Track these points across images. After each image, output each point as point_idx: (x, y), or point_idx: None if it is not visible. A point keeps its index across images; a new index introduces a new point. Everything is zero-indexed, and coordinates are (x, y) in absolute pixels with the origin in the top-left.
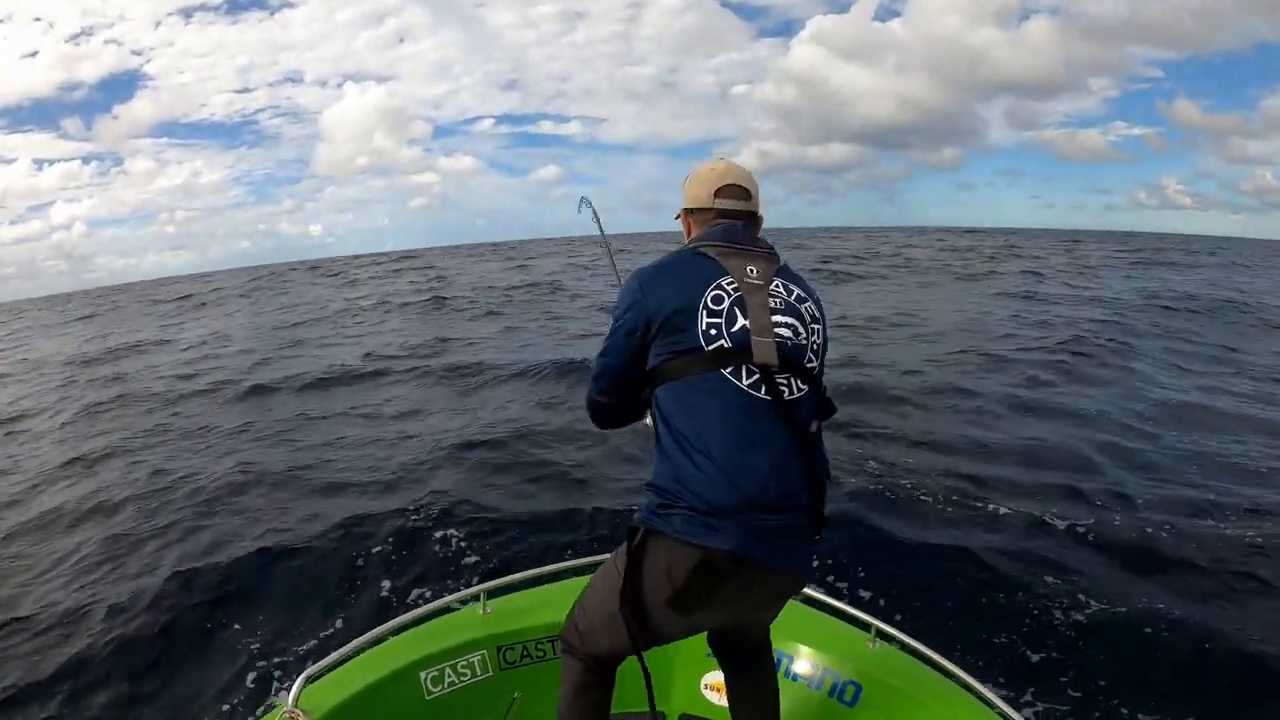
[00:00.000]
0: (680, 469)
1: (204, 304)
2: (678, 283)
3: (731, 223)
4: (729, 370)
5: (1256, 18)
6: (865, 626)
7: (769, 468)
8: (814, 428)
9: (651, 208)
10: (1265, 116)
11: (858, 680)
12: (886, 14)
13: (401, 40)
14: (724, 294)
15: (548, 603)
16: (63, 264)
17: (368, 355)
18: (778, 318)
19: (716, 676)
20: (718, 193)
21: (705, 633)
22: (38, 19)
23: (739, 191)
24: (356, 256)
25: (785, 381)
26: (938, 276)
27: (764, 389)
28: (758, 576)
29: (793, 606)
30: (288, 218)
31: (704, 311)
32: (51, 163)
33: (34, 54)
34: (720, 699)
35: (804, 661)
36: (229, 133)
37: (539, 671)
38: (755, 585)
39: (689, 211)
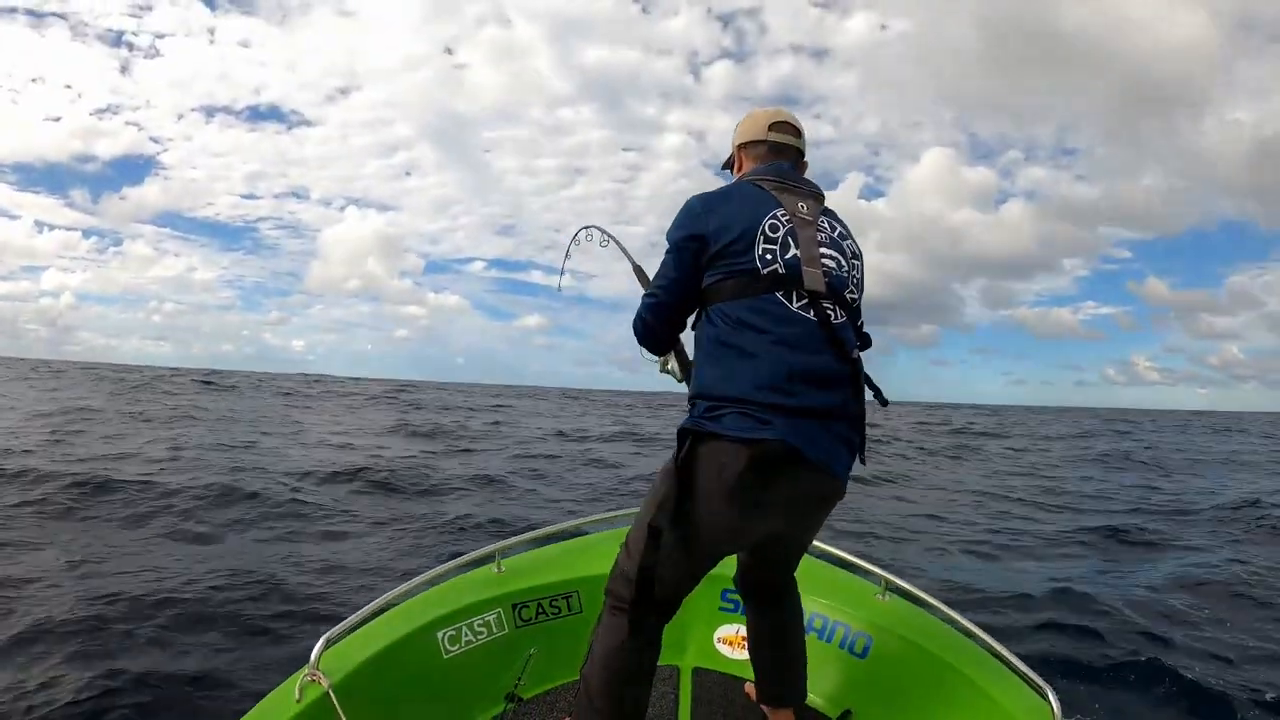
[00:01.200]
0: (730, 373)
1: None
2: (737, 209)
3: (781, 161)
4: (781, 293)
5: (1222, 199)
6: (875, 579)
7: (816, 375)
8: (855, 354)
9: (630, 364)
10: (1231, 292)
11: (868, 632)
12: (872, 193)
13: (408, 173)
14: (779, 224)
15: (560, 560)
16: (43, 330)
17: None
18: (824, 249)
19: (729, 630)
20: (771, 127)
21: (734, 579)
22: (68, 86)
23: (790, 129)
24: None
25: (830, 307)
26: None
27: (811, 312)
28: (806, 476)
29: (803, 559)
30: (272, 329)
31: (761, 237)
32: (53, 228)
33: (57, 119)
34: (733, 652)
35: (815, 614)
36: (229, 235)
37: (554, 628)
38: (801, 484)
39: (742, 147)
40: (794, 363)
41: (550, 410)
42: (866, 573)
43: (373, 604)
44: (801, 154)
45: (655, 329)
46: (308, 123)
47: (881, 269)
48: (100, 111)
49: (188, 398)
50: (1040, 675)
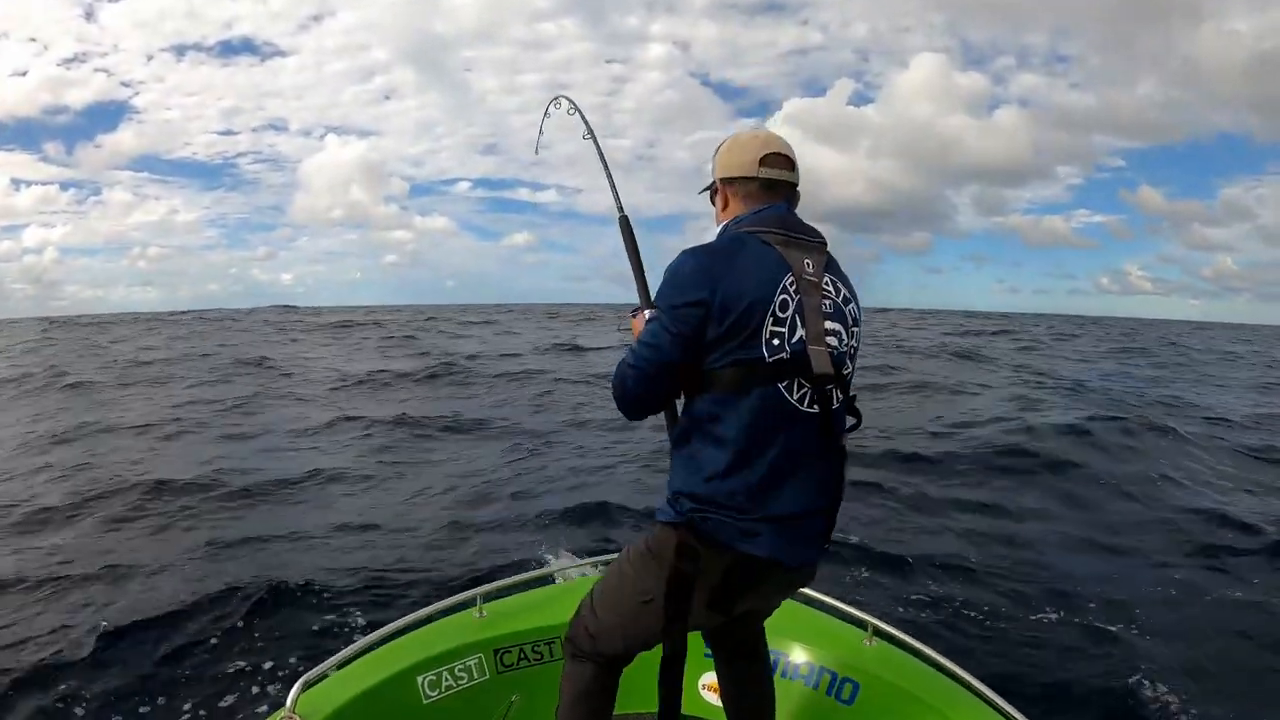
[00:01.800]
0: (718, 475)
1: None
2: (748, 280)
3: (778, 202)
4: (784, 384)
5: (1219, 110)
6: (861, 624)
7: (809, 478)
8: (843, 442)
9: (619, 278)
10: (1225, 204)
11: (855, 678)
12: (861, 99)
13: (387, 97)
14: (789, 298)
15: (543, 605)
16: (30, 288)
17: None
18: (829, 324)
19: (712, 677)
20: (763, 160)
21: (701, 633)
22: (33, 39)
23: (784, 161)
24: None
25: (831, 392)
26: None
27: (810, 402)
28: (781, 577)
29: (789, 604)
30: (260, 265)
31: (770, 319)
32: (30, 184)
33: (24, 73)
34: (716, 699)
35: (801, 659)
36: (209, 173)
37: (536, 673)
38: (777, 585)
39: (727, 182)
40: (789, 467)
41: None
42: (852, 618)
43: (352, 647)
44: (795, 188)
45: (639, 400)
46: (282, 53)
47: (872, 176)
48: (68, 61)
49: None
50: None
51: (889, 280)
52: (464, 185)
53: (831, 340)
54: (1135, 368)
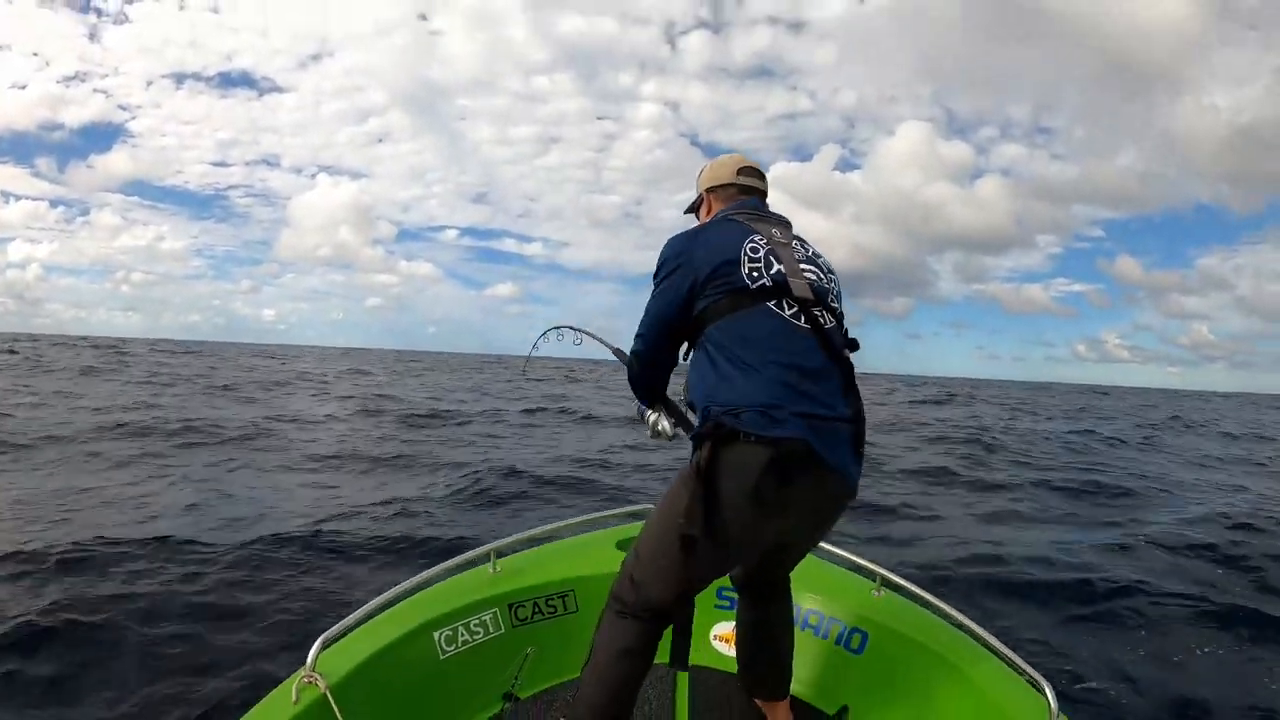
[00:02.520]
0: (736, 381)
1: None
2: (717, 239)
3: (749, 198)
4: (773, 303)
5: (1197, 182)
6: (870, 575)
7: (818, 378)
8: (845, 355)
9: (603, 333)
10: (1202, 274)
11: (864, 628)
12: (847, 166)
13: (381, 140)
14: (759, 246)
15: (556, 560)
16: (11, 303)
17: None
18: (803, 264)
19: (725, 627)
20: (739, 171)
21: (716, 584)
22: (35, 54)
23: (756, 173)
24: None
25: (819, 313)
26: None
27: (803, 319)
28: (822, 477)
29: None
30: (243, 298)
31: (745, 258)
32: (19, 198)
33: (24, 87)
34: (729, 649)
35: (810, 610)
36: (199, 203)
37: (550, 626)
38: (817, 485)
39: (710, 191)
40: (796, 366)
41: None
42: (861, 569)
43: (369, 605)
44: (765, 195)
45: (646, 369)
46: (279, 89)
47: (856, 241)
48: (68, 79)
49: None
50: (1036, 669)
51: (870, 346)
52: (452, 233)
53: (809, 275)
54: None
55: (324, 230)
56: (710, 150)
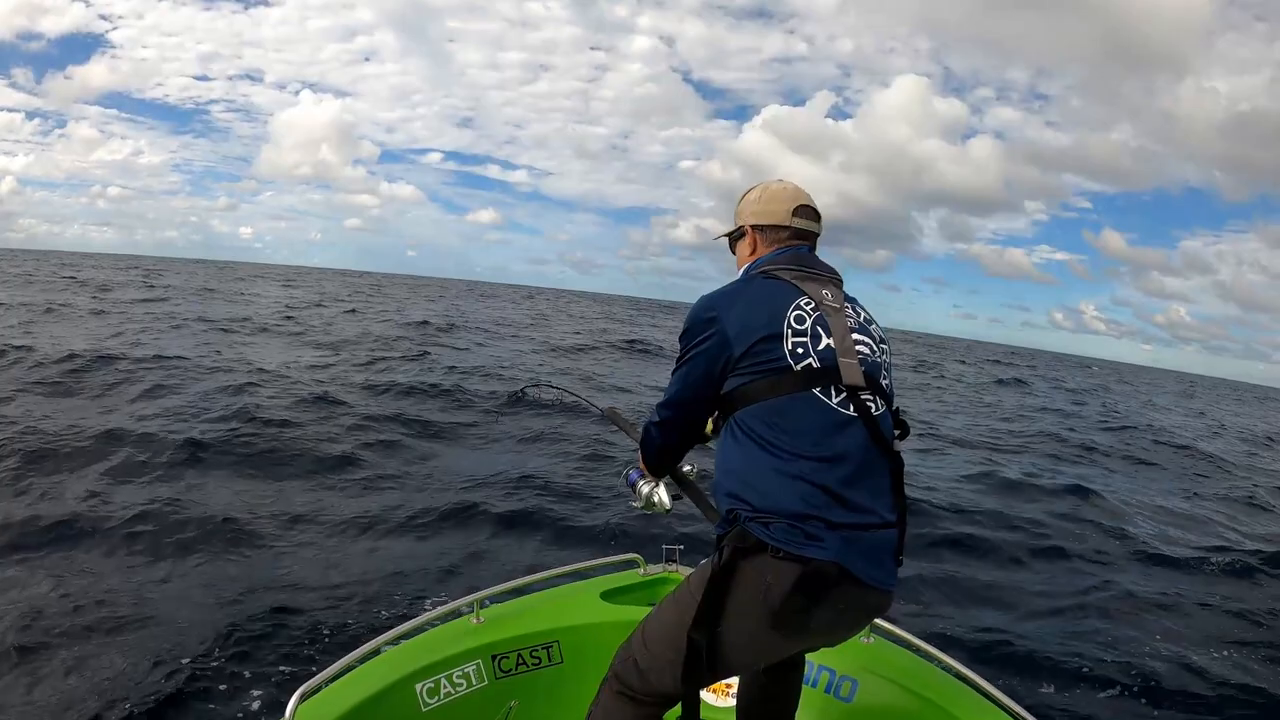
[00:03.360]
0: (769, 482)
1: None
2: (757, 306)
3: (800, 245)
4: (818, 389)
5: (1189, 165)
6: None
7: (864, 481)
8: (896, 448)
9: (581, 265)
10: (1185, 255)
11: (854, 675)
12: (839, 114)
13: (367, 59)
14: (805, 314)
15: (540, 610)
16: None
17: None
18: (856, 336)
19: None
20: (795, 212)
21: None
22: None
23: (812, 213)
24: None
25: (870, 399)
26: None
27: (852, 407)
28: (854, 594)
29: None
30: (220, 215)
31: (788, 331)
32: None
33: None
34: (717, 700)
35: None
36: (179, 117)
37: (534, 678)
38: (850, 604)
39: (757, 229)
40: (841, 469)
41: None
42: None
43: (349, 656)
44: (817, 240)
45: (668, 447)
46: (265, 3)
47: (842, 189)
48: None
49: None
50: (1031, 713)
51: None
52: (435, 156)
53: (862, 350)
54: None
55: (305, 148)
56: (702, 89)
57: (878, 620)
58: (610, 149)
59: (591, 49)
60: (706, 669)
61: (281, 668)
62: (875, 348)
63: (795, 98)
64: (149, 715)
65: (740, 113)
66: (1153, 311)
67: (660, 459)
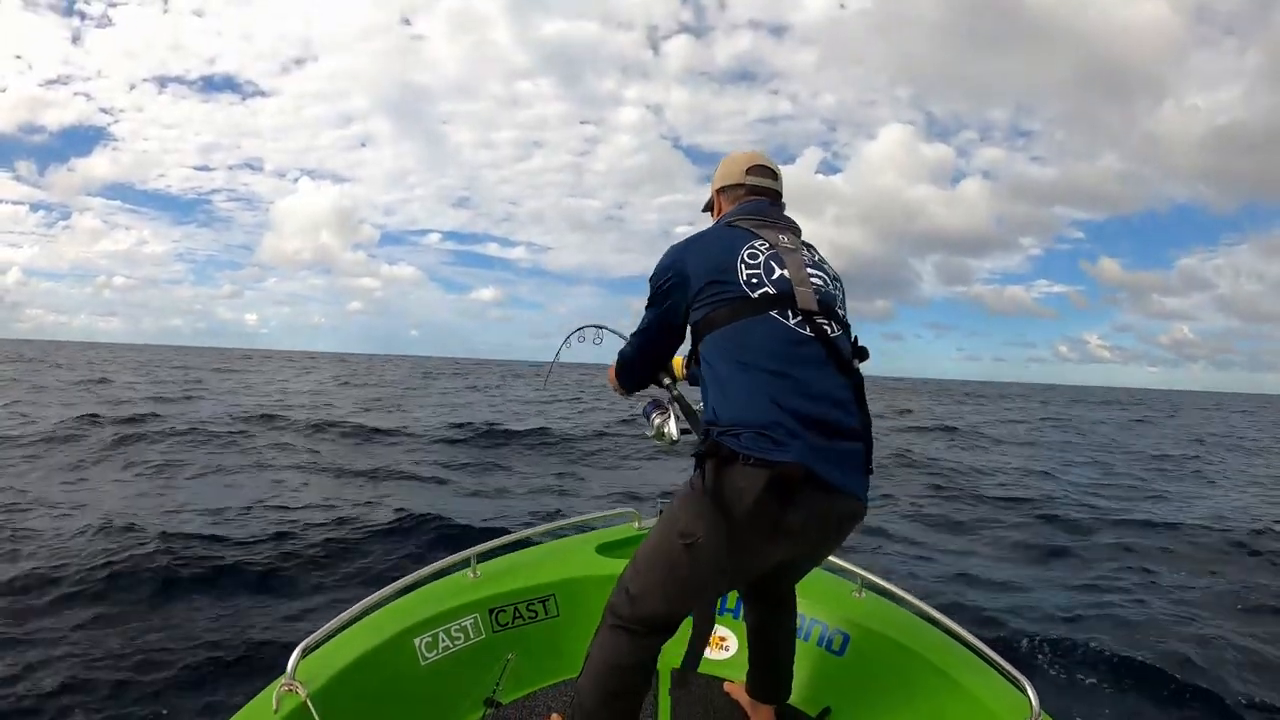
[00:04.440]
0: (737, 397)
1: None
2: (713, 247)
3: (760, 199)
4: (775, 312)
5: (1176, 183)
6: (851, 577)
7: (824, 391)
8: (855, 366)
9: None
10: (1182, 274)
11: (845, 629)
12: (829, 168)
13: (363, 144)
14: (758, 251)
15: (536, 564)
16: None
17: None
18: (810, 270)
19: (716, 632)
20: (749, 170)
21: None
22: (18, 57)
23: (767, 171)
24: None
25: (825, 323)
26: None
27: (808, 328)
28: (825, 499)
29: None
30: (225, 302)
31: (742, 265)
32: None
33: (3, 90)
34: (713, 653)
35: None
36: (181, 207)
37: (531, 632)
38: (822, 509)
39: (720, 191)
40: (801, 380)
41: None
42: (842, 570)
43: (348, 611)
44: (779, 194)
45: (632, 363)
46: (262, 93)
47: (837, 243)
48: (50, 82)
49: None
50: (1019, 669)
51: None
52: (434, 236)
53: (816, 281)
54: None
55: (306, 234)
56: (692, 153)
57: (868, 576)
58: (606, 220)
59: (581, 123)
60: (698, 574)
61: (281, 624)
62: (829, 282)
63: (784, 156)
64: (148, 672)
65: None
66: (1155, 333)
67: (631, 374)
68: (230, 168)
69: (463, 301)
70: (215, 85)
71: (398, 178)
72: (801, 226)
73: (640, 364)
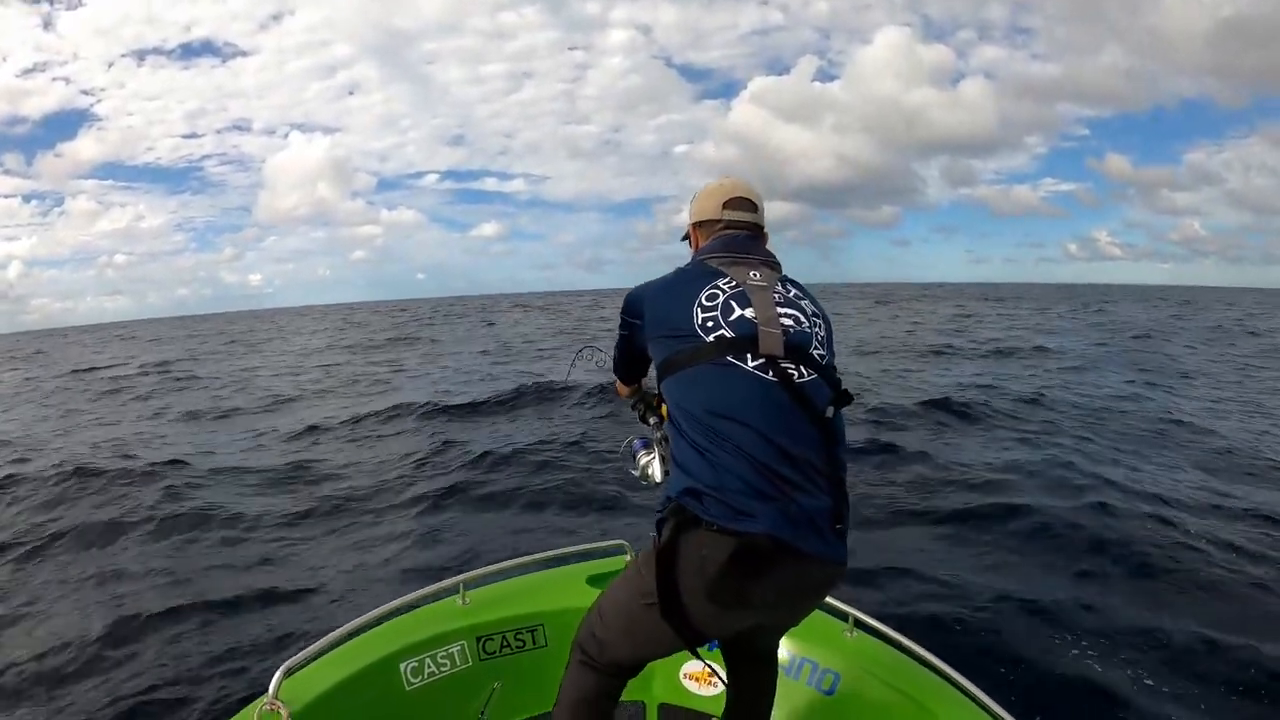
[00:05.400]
0: (699, 459)
1: None
2: (673, 290)
3: (735, 234)
4: (732, 356)
5: (1182, 77)
6: (842, 616)
7: (789, 449)
8: (829, 413)
9: (590, 264)
10: (1191, 169)
11: (835, 669)
12: (825, 76)
13: (351, 93)
14: (719, 291)
15: (525, 593)
16: None
17: None
18: (781, 309)
19: (695, 666)
20: (725, 204)
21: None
22: None
23: (745, 204)
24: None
25: (792, 368)
26: None
27: (770, 373)
28: (795, 568)
29: None
30: (228, 266)
31: (698, 309)
32: None
33: None
34: (699, 688)
35: (782, 650)
36: (174, 177)
37: (519, 661)
38: (791, 580)
39: (696, 226)
40: (760, 432)
41: None
42: (833, 609)
43: (334, 633)
44: (760, 227)
45: (618, 365)
46: (243, 53)
47: (839, 152)
48: (27, 72)
49: None
50: (1010, 710)
51: (856, 255)
52: (431, 177)
53: (786, 321)
54: None
55: (301, 188)
56: (685, 72)
57: (860, 615)
58: (603, 145)
59: (570, 49)
60: (658, 631)
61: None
62: (806, 320)
63: (779, 67)
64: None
65: (726, 90)
66: (1166, 230)
67: (619, 375)
68: (218, 131)
69: (465, 239)
70: (194, 51)
71: (389, 122)
72: (799, 140)
73: (621, 371)
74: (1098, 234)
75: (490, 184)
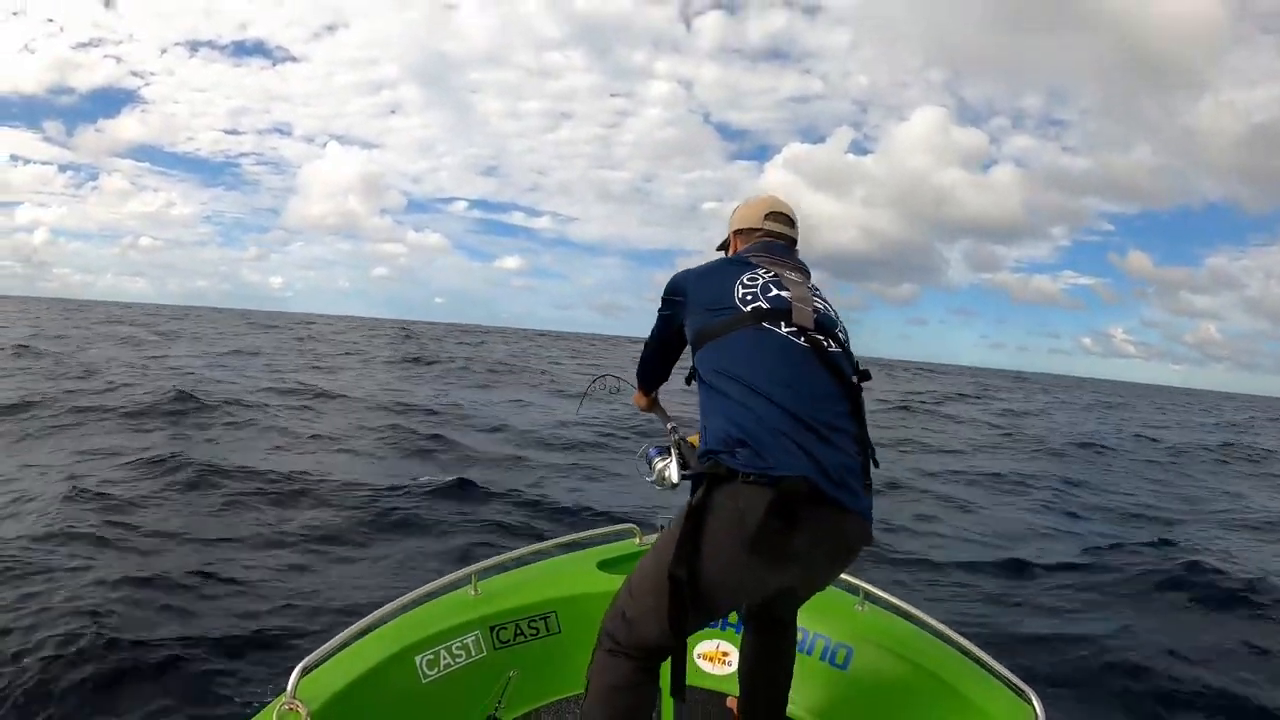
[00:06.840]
0: (733, 412)
1: None
2: (715, 274)
3: (774, 241)
4: (768, 323)
5: (1210, 179)
6: (854, 590)
7: (821, 407)
8: (854, 380)
9: (608, 309)
10: (1211, 272)
11: (849, 643)
12: (859, 149)
13: (392, 112)
14: (758, 276)
15: (537, 581)
16: (18, 266)
17: None
18: (813, 298)
19: (709, 646)
20: (767, 216)
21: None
22: (50, 20)
23: (785, 219)
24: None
25: (822, 339)
26: None
27: (803, 339)
28: (827, 514)
29: None
30: (251, 265)
31: (739, 286)
32: (28, 162)
33: (33, 51)
34: (713, 668)
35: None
36: (210, 170)
37: (532, 649)
38: (830, 529)
39: (737, 233)
40: (794, 387)
41: None
42: (844, 584)
43: (349, 630)
44: (794, 241)
45: (647, 358)
46: (293, 59)
47: (866, 225)
48: (81, 45)
49: None
50: (1023, 679)
51: (872, 329)
52: (460, 204)
53: (817, 304)
54: None
55: (333, 199)
56: (722, 129)
57: (870, 589)
58: (633, 192)
59: (611, 95)
60: (691, 609)
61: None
62: (833, 313)
63: (814, 135)
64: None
65: (761, 152)
66: (1182, 331)
67: (646, 372)
68: (259, 132)
69: (487, 269)
70: (246, 50)
71: (426, 145)
72: (827, 209)
73: (654, 358)
74: (1113, 330)
75: (518, 218)
